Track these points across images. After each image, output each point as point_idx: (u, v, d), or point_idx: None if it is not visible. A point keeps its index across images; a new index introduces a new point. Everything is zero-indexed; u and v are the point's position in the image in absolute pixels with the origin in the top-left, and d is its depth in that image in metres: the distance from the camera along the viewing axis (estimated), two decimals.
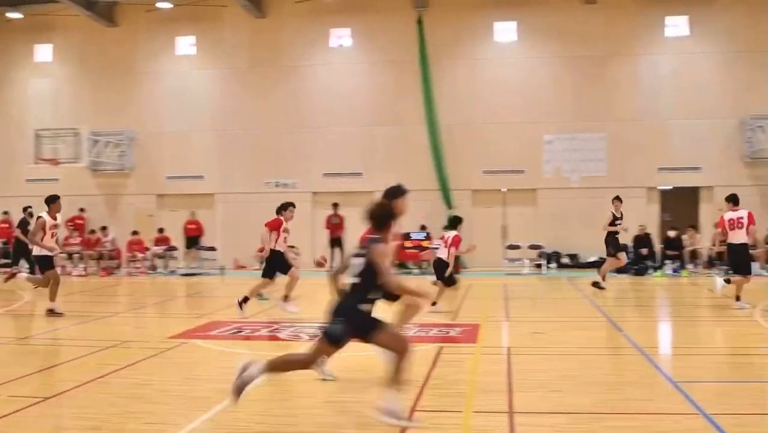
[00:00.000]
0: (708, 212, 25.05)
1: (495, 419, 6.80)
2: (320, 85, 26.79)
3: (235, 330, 12.15)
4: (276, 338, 11.44)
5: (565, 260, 24.83)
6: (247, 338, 11.54)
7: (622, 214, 18.35)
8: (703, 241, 23.84)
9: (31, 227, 16.56)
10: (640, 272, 22.94)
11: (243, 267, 25.72)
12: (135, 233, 25.97)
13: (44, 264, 14.32)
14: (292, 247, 15.10)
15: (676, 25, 25.55)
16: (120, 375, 8.76)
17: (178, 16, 26.90)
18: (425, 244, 23.91)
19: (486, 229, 25.43)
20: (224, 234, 26.60)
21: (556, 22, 25.61)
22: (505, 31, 26.04)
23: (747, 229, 14.07)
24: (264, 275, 13.99)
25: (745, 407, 7.14)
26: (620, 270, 23.00)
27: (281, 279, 14.01)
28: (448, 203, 25.38)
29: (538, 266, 24.19)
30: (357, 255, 6.67)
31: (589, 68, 25.49)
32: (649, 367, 9.05)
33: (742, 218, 14.24)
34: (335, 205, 25.57)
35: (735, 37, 25.26)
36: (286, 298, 13.67)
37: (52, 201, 14.51)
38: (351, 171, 26.26)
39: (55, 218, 14.38)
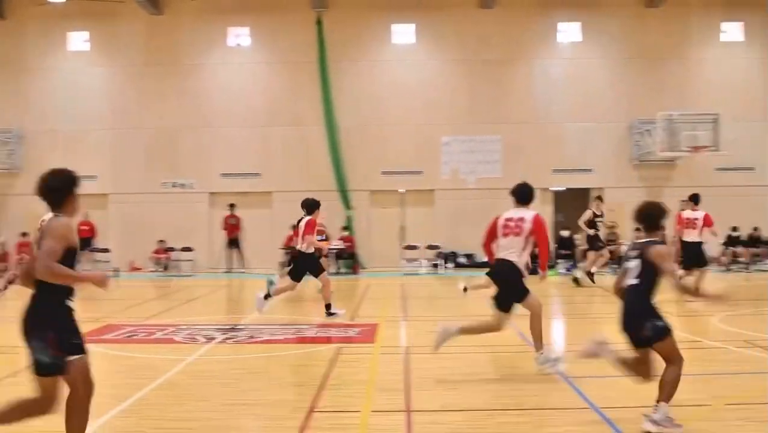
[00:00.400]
0: None
1: (393, 417, 6.85)
2: (218, 84, 26.44)
3: (130, 333, 11.89)
4: (171, 341, 11.24)
5: (462, 260, 25.20)
6: (142, 341, 11.30)
7: (603, 213, 19.77)
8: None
9: None
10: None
11: (138, 269, 25.17)
12: (24, 234, 25.10)
13: None
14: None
15: (569, 32, 26.30)
16: (8, 382, 8.46)
17: (70, 11, 26.04)
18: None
19: (384, 229, 25.64)
20: (118, 235, 25.94)
21: (454, 25, 26.01)
22: (404, 33, 26.28)
23: (701, 229, 14.67)
24: (293, 278, 13.14)
25: (634, 400, 7.38)
26: None
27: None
28: (347, 204, 25.44)
29: (435, 265, 24.50)
30: (634, 257, 6.42)
31: (485, 72, 25.96)
32: None
33: (698, 219, 14.84)
34: (232, 206, 25.32)
35: (625, 43, 26.16)
36: (329, 307, 12.90)
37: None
38: (249, 171, 26.00)
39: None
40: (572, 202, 26.19)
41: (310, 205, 13.25)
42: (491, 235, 9.18)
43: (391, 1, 26.08)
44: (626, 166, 25.98)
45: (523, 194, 9.09)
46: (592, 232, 19.33)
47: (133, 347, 10.73)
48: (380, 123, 25.86)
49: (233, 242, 25.26)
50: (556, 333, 12.91)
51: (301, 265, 13.02)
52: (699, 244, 15.61)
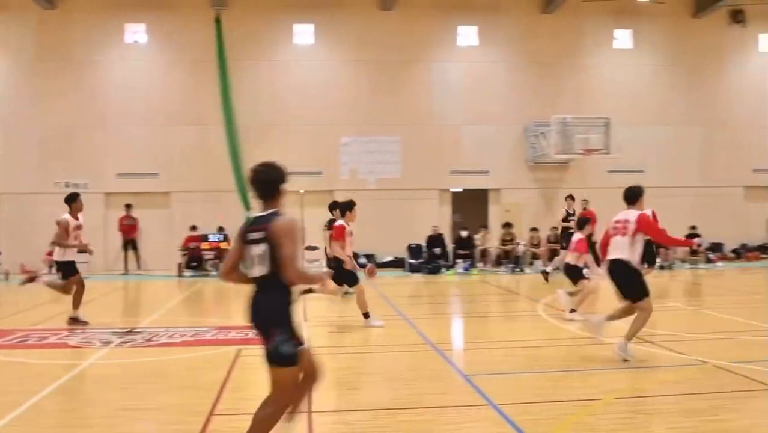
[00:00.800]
0: (496, 213, 26.42)
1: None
2: (115, 82, 25.79)
3: (22, 339, 11.52)
4: (65, 346, 10.94)
5: (362, 261, 25.29)
6: (35, 346, 10.96)
7: (575, 211, 20.99)
8: (492, 240, 25.06)
9: None
10: (434, 270, 23.78)
11: (30, 272, 24.31)
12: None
13: (67, 270, 12.95)
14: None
15: (467, 35, 26.73)
16: None
17: None
18: (224, 246, 23.67)
19: None
20: (8, 237, 25.01)
21: (353, 26, 26.11)
22: (304, 33, 26.20)
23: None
24: (339, 284, 12.69)
25: (531, 396, 7.59)
26: (414, 269, 23.89)
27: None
28: (246, 205, 25.18)
29: None
30: None
31: (384, 73, 26.15)
32: (442, 362, 9.43)
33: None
34: (128, 207, 24.81)
35: (521, 48, 26.78)
36: (367, 315, 12.34)
37: (72, 200, 13.09)
38: (146, 171, 25.46)
39: (77, 218, 12.97)
40: (469, 202, 26.66)
41: (340, 208, 12.66)
42: (608, 236, 9.61)
43: (291, 1, 25.99)
44: (522, 167, 26.60)
45: (630, 196, 9.70)
46: (572, 230, 19.69)
47: (26, 353, 10.41)
48: (280, 123, 25.71)
49: (130, 243, 24.75)
50: (456, 332, 13.12)
51: (338, 272, 12.58)
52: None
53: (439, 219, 25.90)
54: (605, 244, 9.56)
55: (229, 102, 25.18)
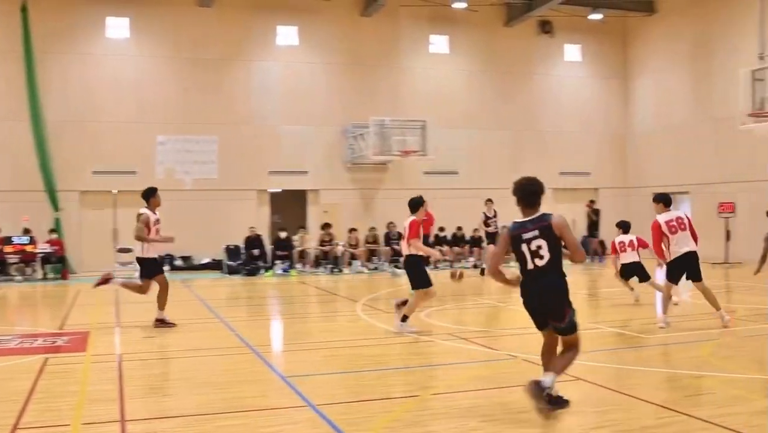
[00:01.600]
0: (315, 214, 26.47)
1: (106, 429, 6.54)
2: None
3: None
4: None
5: (179, 262, 24.70)
6: None
7: (495, 213, 21.93)
8: (311, 241, 25.07)
9: None
10: (252, 272, 23.53)
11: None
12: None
13: (151, 269, 12.50)
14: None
15: (287, 35, 26.61)
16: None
17: None
18: (30, 249, 22.38)
19: (96, 232, 24.46)
20: None
21: (170, 22, 25.37)
22: (118, 27, 25.13)
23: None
24: (415, 288, 11.57)
25: (349, 396, 7.63)
26: (233, 271, 23.56)
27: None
28: (55, 205, 23.98)
29: None
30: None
31: (202, 71, 25.58)
32: (260, 364, 9.31)
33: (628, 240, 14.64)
34: None
35: (340, 50, 26.96)
36: (405, 318, 11.52)
37: (151, 194, 12.91)
38: None
39: (155, 213, 12.64)
40: (289, 203, 26.58)
41: (413, 204, 11.88)
42: (661, 237, 11.19)
43: None
44: (340, 168, 26.79)
45: (668, 199, 11.50)
46: (490, 231, 21.77)
47: None
48: (92, 119, 24.58)
49: None
50: (275, 334, 13.02)
51: (407, 270, 11.78)
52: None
53: (258, 220, 25.66)
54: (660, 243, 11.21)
55: (36, 96, 23.78)
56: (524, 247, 6.58)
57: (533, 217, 6.61)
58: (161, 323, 12.50)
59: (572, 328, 6.63)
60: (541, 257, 6.53)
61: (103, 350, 10.43)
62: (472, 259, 25.61)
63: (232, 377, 8.69)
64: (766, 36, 20.27)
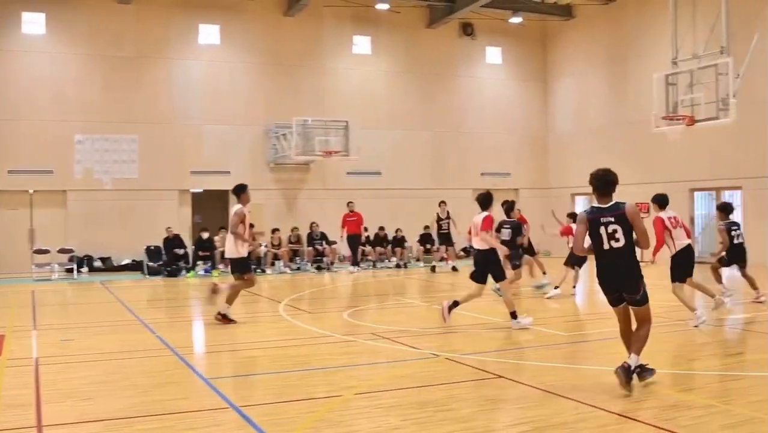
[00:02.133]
0: None
1: None
2: None
3: None
4: None
5: (98, 264, 24.24)
6: None
7: (448, 214, 23.39)
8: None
9: None
10: (173, 273, 23.21)
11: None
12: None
13: (245, 265, 12.74)
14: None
15: (209, 33, 26.34)
16: None
17: None
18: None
19: (11, 233, 23.83)
20: None
21: (88, 18, 24.83)
22: (33, 23, 24.48)
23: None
24: (500, 280, 11.95)
25: (272, 396, 7.61)
26: (153, 272, 23.23)
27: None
28: None
29: (70, 270, 23.22)
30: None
31: (121, 69, 25.12)
32: (182, 366, 9.21)
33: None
34: None
35: (263, 49, 26.83)
36: (514, 315, 11.65)
37: (242, 190, 13.23)
38: None
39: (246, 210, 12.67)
40: (211, 203, 26.31)
41: (486, 200, 12.07)
42: (663, 231, 11.74)
43: None
44: (263, 168, 26.65)
45: (663, 200, 11.98)
46: (442, 232, 23.47)
47: None
48: (7, 118, 23.87)
49: None
50: (197, 335, 12.89)
51: (482, 265, 11.89)
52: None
53: (179, 220, 25.34)
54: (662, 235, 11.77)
55: None
56: (602, 230, 7.49)
57: (609, 204, 7.56)
58: (224, 318, 12.68)
59: (645, 299, 7.55)
60: (617, 240, 7.43)
61: (20, 354, 10.18)
62: (394, 259, 25.75)
63: (153, 379, 8.58)
64: (679, 41, 20.88)
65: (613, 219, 7.46)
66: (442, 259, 25.25)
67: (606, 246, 7.49)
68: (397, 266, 25.19)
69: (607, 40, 28.45)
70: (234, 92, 26.44)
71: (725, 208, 14.84)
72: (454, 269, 22.98)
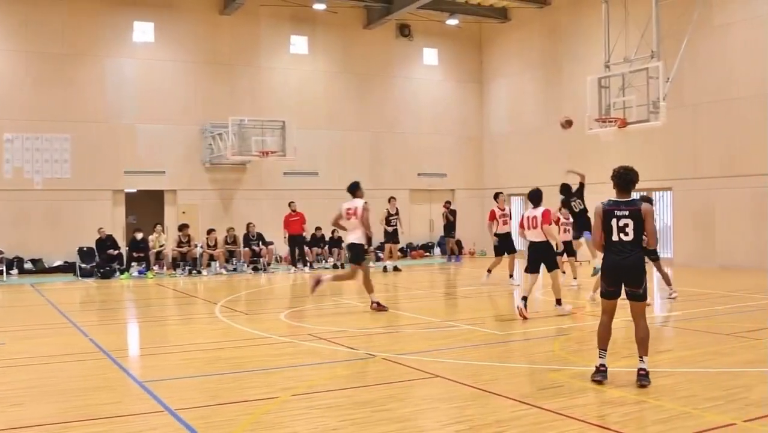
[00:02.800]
0: (172, 214, 25.94)
1: None
2: None
3: None
4: None
5: (29, 266, 23.71)
6: None
7: (397, 210, 23.99)
8: (169, 241, 24.54)
9: None
10: (107, 274, 22.81)
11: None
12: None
13: (362, 253, 13.79)
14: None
15: (144, 31, 25.94)
16: None
17: None
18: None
19: None
20: None
21: (18, 14, 24.21)
22: None
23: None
24: (553, 269, 13.17)
25: (208, 399, 7.55)
26: (86, 274, 22.83)
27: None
28: None
29: None
30: None
31: (53, 66, 24.58)
32: (116, 370, 9.08)
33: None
34: None
35: (199, 48, 26.55)
36: (559, 301, 13.13)
37: (357, 187, 14.24)
38: None
39: None
40: (145, 203, 25.96)
41: (537, 197, 13.10)
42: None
43: None
44: (198, 168, 26.38)
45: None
46: (390, 229, 23.69)
47: None
48: None
49: None
50: (131, 338, 12.71)
51: (536, 256, 13.03)
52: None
53: (113, 221, 24.95)
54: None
55: None
56: (614, 222, 7.85)
57: (627, 200, 7.95)
58: (378, 306, 13.72)
59: (645, 295, 7.89)
60: (627, 234, 7.79)
61: None
62: (331, 259, 25.73)
63: (86, 383, 8.44)
64: (611, 45, 21.28)
65: (627, 213, 7.84)
66: (378, 259, 25.40)
67: (615, 237, 7.85)
68: (335, 266, 25.17)
69: (541, 43, 28.85)
70: (169, 91, 26.11)
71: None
72: (396, 268, 23.18)
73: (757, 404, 6.98)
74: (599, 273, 8.27)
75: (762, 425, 6.30)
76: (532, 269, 13.01)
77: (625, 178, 8.01)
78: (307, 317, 13.95)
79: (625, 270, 7.81)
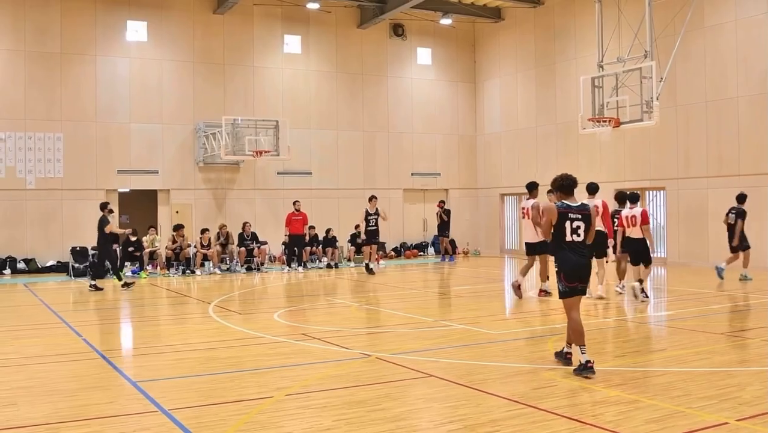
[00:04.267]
0: (166, 214, 25.90)
1: None
2: None
3: None
4: None
5: (22, 266, 23.66)
6: None
7: (377, 210, 22.76)
8: (164, 241, 24.48)
9: None
10: (100, 274, 22.68)
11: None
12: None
13: (539, 248, 14.70)
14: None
15: (137, 30, 25.88)
16: None
17: None
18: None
19: None
20: None
21: (10, 12, 24.14)
22: None
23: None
24: (648, 264, 14.51)
25: (202, 399, 7.54)
26: (79, 274, 22.74)
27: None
28: None
29: None
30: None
31: (46, 65, 24.51)
32: (109, 370, 9.06)
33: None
34: None
35: (192, 47, 26.49)
36: (640, 281, 14.38)
37: (534, 187, 15.19)
38: None
39: None
40: (138, 203, 25.91)
41: (633, 197, 14.53)
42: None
43: None
44: (192, 168, 26.34)
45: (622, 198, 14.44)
46: (369, 229, 22.74)
47: None
48: None
49: None
50: (124, 338, 12.68)
51: (637, 251, 14.44)
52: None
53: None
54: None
55: None
56: (567, 223, 8.37)
57: (577, 204, 8.51)
58: (544, 293, 15.06)
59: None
60: (579, 235, 8.40)
61: None
62: (325, 259, 25.69)
63: (80, 383, 8.41)
64: (604, 45, 21.33)
65: (579, 216, 8.43)
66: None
67: (569, 238, 8.39)
68: (328, 266, 25.15)
69: (535, 43, 28.88)
70: (162, 90, 26.07)
71: (623, 199, 15.22)
72: (368, 268, 22.57)
73: (750, 403, 7.00)
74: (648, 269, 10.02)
75: (755, 424, 6.31)
76: (636, 262, 14.51)
77: (563, 184, 8.55)
78: (301, 317, 13.94)
79: (586, 269, 8.47)
